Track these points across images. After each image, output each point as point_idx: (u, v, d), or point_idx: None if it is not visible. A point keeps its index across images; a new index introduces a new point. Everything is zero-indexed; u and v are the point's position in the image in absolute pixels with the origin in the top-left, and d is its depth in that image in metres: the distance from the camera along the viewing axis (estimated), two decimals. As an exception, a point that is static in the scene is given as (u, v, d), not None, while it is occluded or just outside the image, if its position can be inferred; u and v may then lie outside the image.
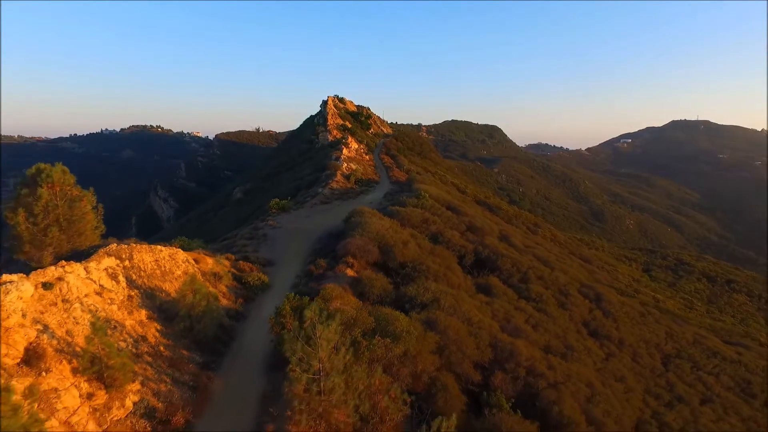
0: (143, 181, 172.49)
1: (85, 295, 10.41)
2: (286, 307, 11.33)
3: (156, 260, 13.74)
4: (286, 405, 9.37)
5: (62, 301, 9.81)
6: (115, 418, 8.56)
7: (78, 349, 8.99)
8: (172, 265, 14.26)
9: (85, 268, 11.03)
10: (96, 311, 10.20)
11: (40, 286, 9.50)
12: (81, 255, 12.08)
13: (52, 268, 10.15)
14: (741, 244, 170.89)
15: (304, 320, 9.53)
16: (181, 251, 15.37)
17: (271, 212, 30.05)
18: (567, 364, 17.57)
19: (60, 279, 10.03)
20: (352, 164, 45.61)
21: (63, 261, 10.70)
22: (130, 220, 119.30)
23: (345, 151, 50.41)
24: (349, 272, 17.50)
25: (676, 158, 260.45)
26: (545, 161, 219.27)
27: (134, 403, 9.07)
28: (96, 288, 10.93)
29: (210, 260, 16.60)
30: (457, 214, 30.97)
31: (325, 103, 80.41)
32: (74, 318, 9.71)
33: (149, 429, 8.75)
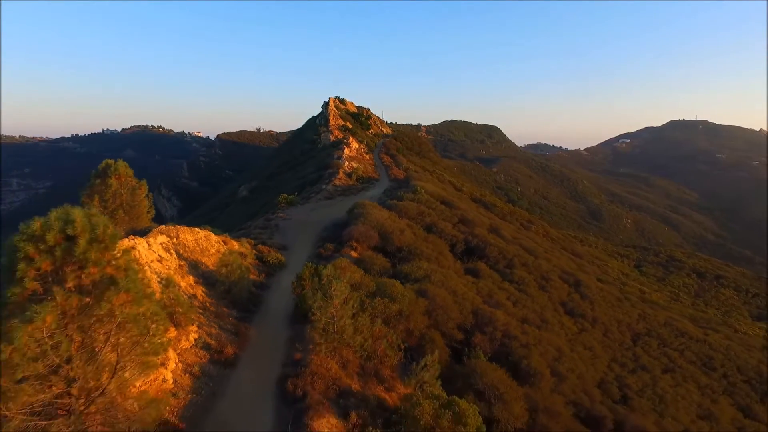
0: (145, 180, 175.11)
1: (151, 261, 13.50)
2: (306, 272, 14.43)
3: (195, 239, 16.84)
4: (309, 342, 12.45)
5: (137, 264, 12.87)
6: (184, 348, 11.62)
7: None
8: (207, 244, 17.36)
9: (147, 242, 14.12)
10: (160, 273, 13.26)
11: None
12: (140, 233, 15.12)
13: (126, 239, 13.21)
14: (738, 243, 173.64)
15: (322, 278, 12.65)
16: (213, 234, 18.47)
17: (280, 206, 33.13)
18: (540, 332, 20.66)
19: (132, 248, 13.07)
20: (353, 163, 48.71)
21: (131, 235, 13.78)
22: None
23: (346, 150, 53.51)
24: (353, 254, 20.59)
25: (674, 158, 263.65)
26: (544, 161, 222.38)
27: (195, 339, 12.12)
28: (156, 257, 14.02)
29: (235, 243, 19.70)
30: (450, 208, 34.08)
31: (326, 104, 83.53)
32: (147, 276, 12.77)
33: (207, 357, 11.80)
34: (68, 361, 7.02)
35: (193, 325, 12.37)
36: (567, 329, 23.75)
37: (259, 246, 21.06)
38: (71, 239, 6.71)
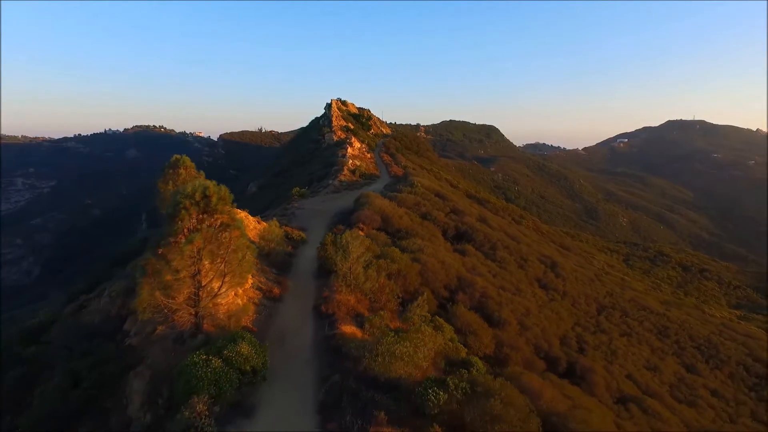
0: (148, 179, 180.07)
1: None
2: (328, 240, 19.39)
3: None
4: (333, 287, 17.38)
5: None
6: (245, 288, 16.54)
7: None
8: (247, 222, 22.31)
9: (208, 217, 19.05)
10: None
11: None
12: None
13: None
14: (732, 241, 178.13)
15: (343, 240, 17.61)
16: (249, 215, 23.46)
17: (294, 198, 38.09)
18: (513, 297, 25.65)
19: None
20: (356, 161, 53.71)
21: (198, 211, 18.72)
22: (140, 216, 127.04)
23: (349, 149, 58.50)
24: (361, 233, 25.54)
25: (671, 158, 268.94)
26: (541, 161, 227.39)
27: (251, 283, 17.04)
28: (216, 228, 18.97)
29: (265, 223, 24.66)
30: (444, 200, 39.08)
31: (329, 106, 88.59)
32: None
33: (261, 294, 16.72)
34: (199, 271, 12.03)
35: (248, 274, 17.25)
36: (538, 298, 28.74)
37: (283, 227, 25.99)
38: (207, 197, 11.71)
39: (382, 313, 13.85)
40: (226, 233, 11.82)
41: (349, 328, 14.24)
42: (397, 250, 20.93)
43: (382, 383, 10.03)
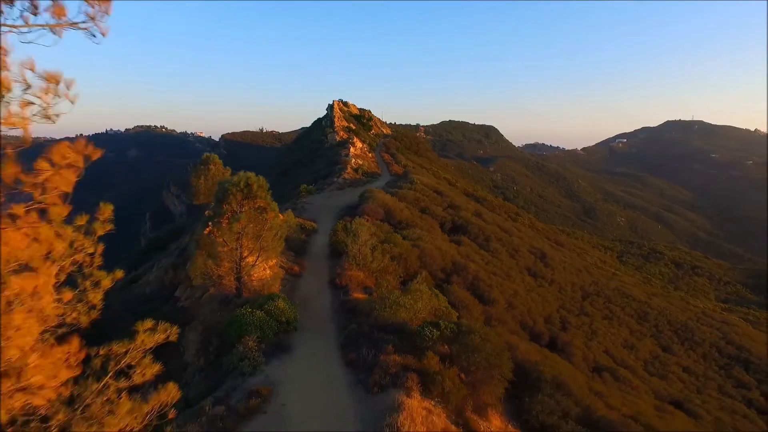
0: (150, 179, 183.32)
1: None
2: (339, 226, 22.49)
3: (259, 209, 24.88)
4: (344, 265, 20.43)
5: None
6: (270, 264, 19.60)
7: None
8: (266, 212, 25.38)
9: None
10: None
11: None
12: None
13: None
14: (730, 240, 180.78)
15: (353, 226, 20.69)
16: (267, 207, 26.51)
17: (301, 194, 41.16)
18: (503, 281, 28.73)
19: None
20: (358, 160, 56.83)
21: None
22: (144, 216, 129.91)
23: (352, 149, 61.62)
24: (367, 223, 28.61)
25: (670, 158, 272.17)
26: (540, 161, 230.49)
27: (275, 262, 20.09)
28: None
29: (283, 214, 27.72)
30: (441, 196, 42.19)
31: (331, 107, 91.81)
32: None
33: (284, 272, 19.76)
34: (241, 246, 15.11)
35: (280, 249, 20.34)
36: (527, 283, 31.84)
37: (296, 218, 29.07)
38: (249, 185, 14.79)
39: (388, 279, 16.91)
40: (264, 215, 14.91)
41: (360, 295, 17.31)
42: (399, 236, 24.04)
43: (389, 327, 13.12)
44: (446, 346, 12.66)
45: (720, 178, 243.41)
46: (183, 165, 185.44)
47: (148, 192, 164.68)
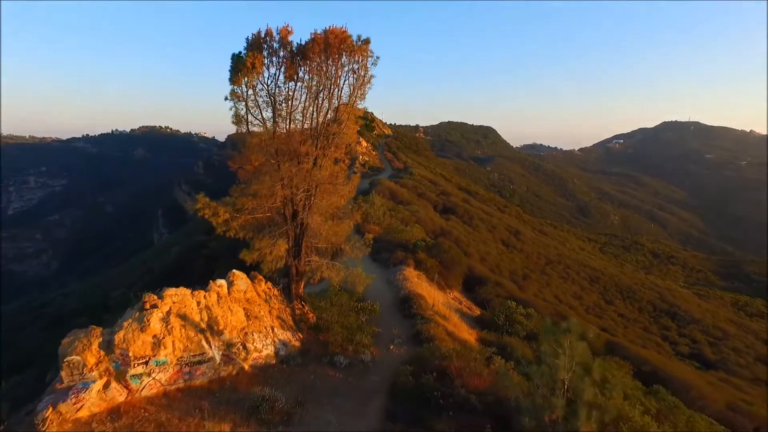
0: (157, 178, 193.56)
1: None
2: (360, 199, 32.83)
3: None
4: (363, 224, 30.72)
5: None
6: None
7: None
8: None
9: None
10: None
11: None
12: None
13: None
14: (721, 238, 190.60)
15: (371, 197, 31.09)
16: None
17: (320, 184, 51.56)
18: (480, 244, 39.09)
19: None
20: (365, 157, 67.25)
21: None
22: (157, 212, 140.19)
23: (358, 147, 72.05)
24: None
25: (665, 158, 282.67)
26: (537, 161, 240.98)
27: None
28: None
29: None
30: (435, 185, 52.59)
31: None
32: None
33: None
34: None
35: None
36: (499, 249, 42.22)
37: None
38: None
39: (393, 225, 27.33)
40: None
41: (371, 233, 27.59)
42: (401, 207, 34.42)
43: (396, 244, 23.49)
44: (428, 252, 23.08)
45: (714, 178, 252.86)
46: (189, 164, 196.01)
47: (156, 190, 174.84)
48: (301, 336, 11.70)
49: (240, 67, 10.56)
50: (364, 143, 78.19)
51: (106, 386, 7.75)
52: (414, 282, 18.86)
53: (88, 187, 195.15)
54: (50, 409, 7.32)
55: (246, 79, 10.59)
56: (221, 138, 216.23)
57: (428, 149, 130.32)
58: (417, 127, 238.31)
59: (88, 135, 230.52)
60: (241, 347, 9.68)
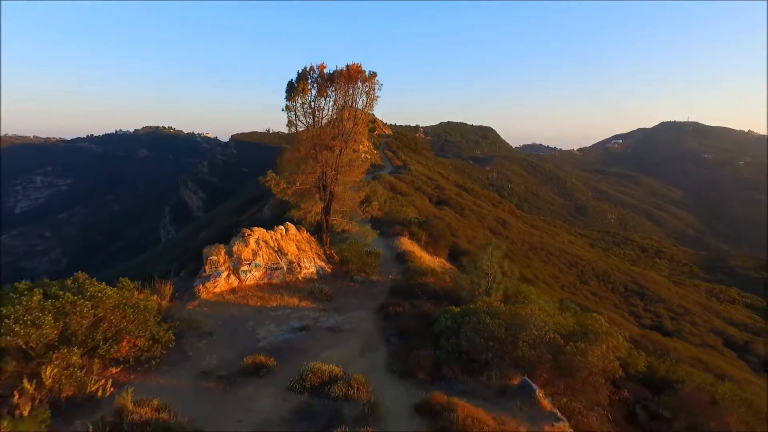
0: (162, 178, 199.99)
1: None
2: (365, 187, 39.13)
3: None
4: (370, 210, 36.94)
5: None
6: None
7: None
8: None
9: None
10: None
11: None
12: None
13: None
14: (717, 238, 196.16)
15: (374, 185, 37.38)
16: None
17: (327, 179, 57.88)
18: (468, 230, 45.29)
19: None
20: (367, 155, 73.53)
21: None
22: (163, 211, 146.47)
23: (361, 147, 78.37)
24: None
25: (664, 158, 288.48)
26: (536, 161, 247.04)
27: (329, 207, 36.64)
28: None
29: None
30: (431, 180, 58.82)
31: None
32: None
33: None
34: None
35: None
36: (486, 236, 48.38)
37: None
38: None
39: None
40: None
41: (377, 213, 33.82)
42: (399, 197, 40.68)
43: (394, 221, 29.76)
44: (420, 227, 29.33)
45: (712, 178, 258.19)
46: (192, 164, 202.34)
47: (161, 189, 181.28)
48: (330, 266, 17.89)
49: (293, 90, 16.80)
50: (366, 143, 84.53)
51: (228, 276, 13.92)
52: (408, 246, 25.07)
53: (94, 186, 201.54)
54: (201, 286, 13.47)
55: (298, 98, 16.82)
56: (224, 138, 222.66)
57: (428, 149, 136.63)
58: (417, 127, 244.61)
59: (92, 135, 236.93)
60: (297, 265, 15.89)
